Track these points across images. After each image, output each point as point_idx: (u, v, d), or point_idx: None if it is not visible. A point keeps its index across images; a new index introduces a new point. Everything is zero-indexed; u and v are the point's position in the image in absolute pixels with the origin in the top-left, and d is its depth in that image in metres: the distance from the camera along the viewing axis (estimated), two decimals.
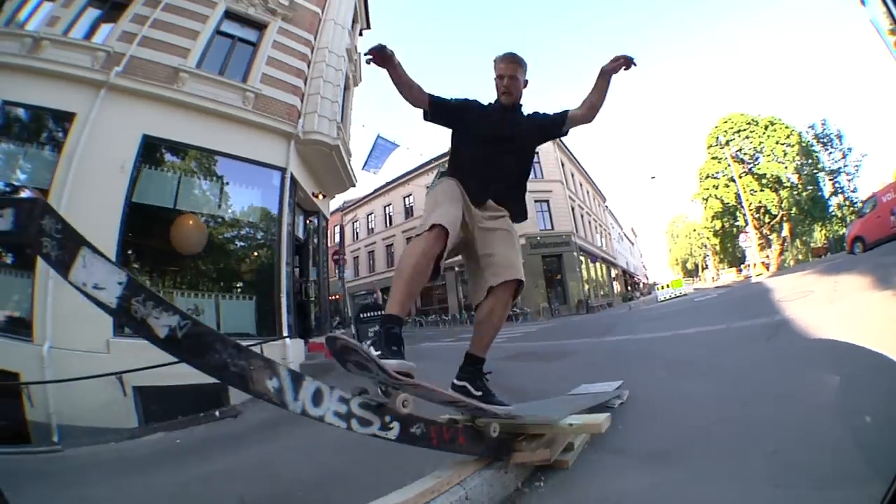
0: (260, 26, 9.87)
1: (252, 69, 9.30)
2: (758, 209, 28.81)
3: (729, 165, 28.56)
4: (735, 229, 30.93)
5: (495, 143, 2.24)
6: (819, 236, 31.39)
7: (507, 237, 2.17)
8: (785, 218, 29.00)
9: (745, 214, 27.78)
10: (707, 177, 31.40)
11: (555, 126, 2.39)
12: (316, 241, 11.70)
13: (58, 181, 6.71)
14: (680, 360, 3.96)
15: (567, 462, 1.81)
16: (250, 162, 8.73)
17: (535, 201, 25.95)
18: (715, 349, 4.21)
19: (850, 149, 30.57)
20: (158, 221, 7.55)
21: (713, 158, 30.92)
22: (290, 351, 7.63)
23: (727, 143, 29.97)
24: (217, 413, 5.88)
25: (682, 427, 2.12)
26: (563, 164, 29.85)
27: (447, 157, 2.39)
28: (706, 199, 31.56)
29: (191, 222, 7.79)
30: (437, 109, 2.23)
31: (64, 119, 7.23)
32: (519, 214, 2.31)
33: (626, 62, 2.15)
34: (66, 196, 6.52)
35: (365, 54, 1.93)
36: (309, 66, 10.30)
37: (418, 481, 1.56)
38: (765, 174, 28.43)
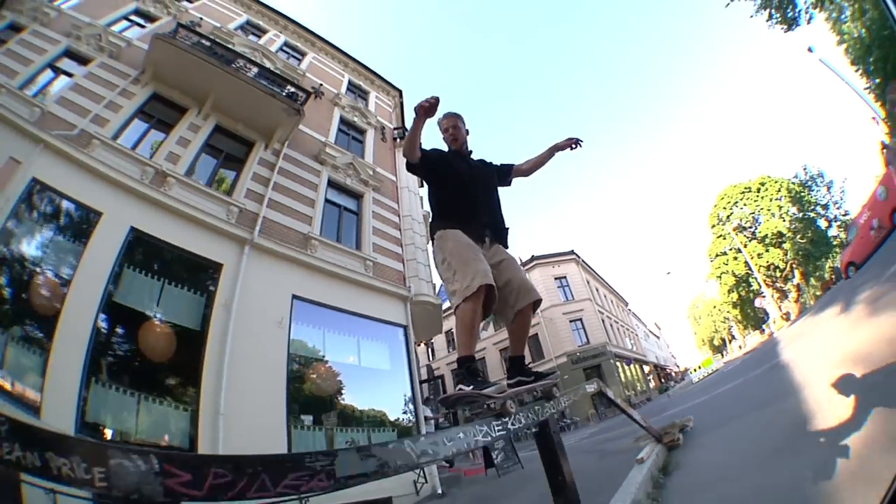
0: (357, 196, 11.39)
1: (363, 239, 10.56)
2: (767, 268, 30.42)
3: (734, 238, 30.64)
4: (752, 294, 32.34)
5: (474, 185, 2.49)
6: (828, 267, 32.20)
7: (513, 263, 2.47)
8: (794, 265, 30.48)
9: (757, 279, 29.44)
10: (717, 255, 33.46)
11: (503, 175, 2.73)
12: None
13: (216, 329, 7.02)
14: (715, 405, 6.60)
15: (679, 443, 4.41)
16: (380, 321, 9.71)
17: (570, 321, 29.10)
18: (736, 392, 6.91)
19: (832, 181, 32.90)
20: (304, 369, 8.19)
21: (718, 237, 33.20)
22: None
23: (727, 217, 32.24)
24: None
25: (722, 418, 4.68)
26: (588, 283, 32.79)
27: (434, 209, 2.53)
28: (720, 277, 33.59)
29: (322, 368, 8.53)
30: (426, 160, 2.41)
31: (210, 266, 7.59)
32: (504, 241, 2.60)
33: (576, 143, 2.56)
34: (229, 344, 6.95)
35: (423, 102, 2.06)
36: (400, 233, 11.75)
37: (642, 452, 4.09)
38: (766, 235, 30.33)
